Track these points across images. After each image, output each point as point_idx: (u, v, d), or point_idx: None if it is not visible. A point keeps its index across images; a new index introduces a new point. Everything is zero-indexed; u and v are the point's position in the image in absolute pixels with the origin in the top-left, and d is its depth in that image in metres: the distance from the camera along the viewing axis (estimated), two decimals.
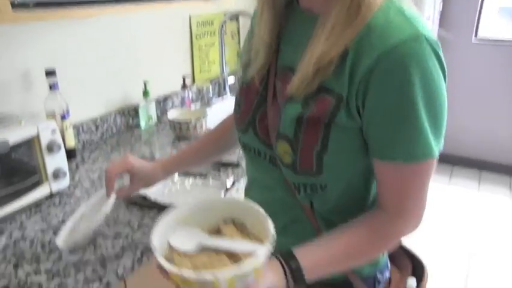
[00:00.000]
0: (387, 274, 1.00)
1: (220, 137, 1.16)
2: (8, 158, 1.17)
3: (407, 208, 0.82)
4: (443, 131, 0.78)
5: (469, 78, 3.71)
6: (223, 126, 1.16)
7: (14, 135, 1.18)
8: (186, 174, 1.43)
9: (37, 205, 1.27)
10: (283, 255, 0.81)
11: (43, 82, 1.50)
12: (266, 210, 0.84)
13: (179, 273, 0.64)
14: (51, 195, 1.31)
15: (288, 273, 0.78)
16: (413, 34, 0.71)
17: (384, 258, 0.99)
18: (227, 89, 2.35)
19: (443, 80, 0.75)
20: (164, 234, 0.75)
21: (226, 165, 1.52)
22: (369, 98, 0.74)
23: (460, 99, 3.76)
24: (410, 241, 1.05)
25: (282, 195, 0.91)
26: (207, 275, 0.63)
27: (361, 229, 0.84)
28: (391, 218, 0.83)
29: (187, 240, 0.75)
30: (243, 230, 0.78)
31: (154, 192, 1.31)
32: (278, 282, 0.77)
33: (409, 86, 0.70)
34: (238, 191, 1.40)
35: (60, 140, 1.29)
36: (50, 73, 1.47)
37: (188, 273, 0.64)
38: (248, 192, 1.06)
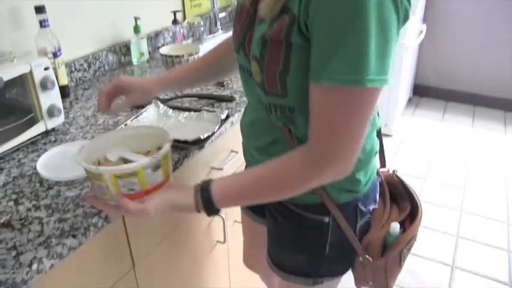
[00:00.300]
0: (372, 207, 1.03)
1: (218, 58, 1.17)
2: (1, 96, 1.17)
3: (331, 147, 0.78)
4: (390, 65, 0.73)
5: (462, 9, 3.64)
6: (220, 47, 1.17)
7: (7, 73, 1.17)
8: (180, 108, 1.44)
9: (33, 143, 1.29)
10: (202, 183, 0.89)
11: (33, 19, 1.47)
12: (254, 129, 1.01)
13: (84, 166, 0.83)
14: (46, 133, 1.32)
15: (198, 199, 0.87)
16: None
17: (366, 189, 0.99)
18: (218, 25, 2.31)
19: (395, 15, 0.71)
20: (100, 149, 0.94)
21: (220, 99, 1.52)
22: (312, 7, 0.71)
23: (453, 31, 3.71)
24: (404, 174, 1.07)
25: (265, 115, 0.94)
26: (92, 167, 0.82)
27: (275, 164, 0.85)
28: (310, 156, 0.81)
29: (114, 154, 0.93)
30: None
31: None
32: (182, 200, 0.88)
33: None
34: (233, 124, 1.41)
35: (53, 77, 1.28)
36: (39, 9, 1.44)
37: (85, 165, 0.82)
38: (245, 113, 1.10)
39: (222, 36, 2.28)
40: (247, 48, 0.90)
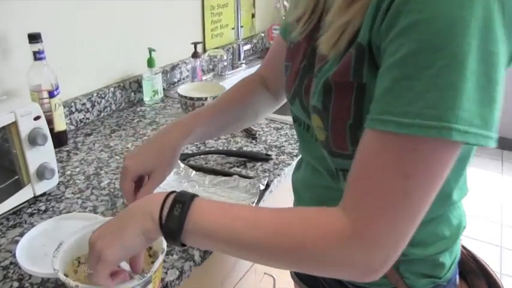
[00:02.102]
0: None
1: (246, 99, 0.99)
2: None
3: (379, 221, 0.53)
4: (494, 118, 0.51)
5: None
6: (246, 85, 1.01)
7: None
8: (205, 170, 1.14)
9: (16, 213, 0.98)
10: (179, 193, 0.62)
11: (25, 49, 1.18)
12: (311, 194, 0.84)
13: (61, 279, 0.66)
14: (35, 200, 1.02)
15: (164, 214, 0.60)
16: None
17: (450, 274, 0.79)
18: (242, 58, 2.03)
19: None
20: (83, 244, 0.71)
21: (254, 158, 1.23)
22: (388, 26, 0.53)
23: None
24: None
25: (327, 180, 0.77)
26: (71, 284, 0.65)
27: (303, 212, 0.60)
28: (353, 227, 0.55)
29: None
30: (153, 256, 0.77)
31: None
32: (139, 207, 0.63)
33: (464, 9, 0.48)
34: (271, 193, 1.11)
35: (46, 129, 0.99)
36: (33, 37, 1.16)
37: (62, 277, 0.66)
38: (298, 168, 0.92)
39: (245, 71, 2.00)
40: (305, 97, 0.75)
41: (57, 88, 1.22)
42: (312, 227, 0.56)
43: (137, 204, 0.64)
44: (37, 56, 1.18)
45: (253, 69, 2.06)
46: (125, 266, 0.71)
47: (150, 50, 1.55)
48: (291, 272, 1.14)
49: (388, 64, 0.53)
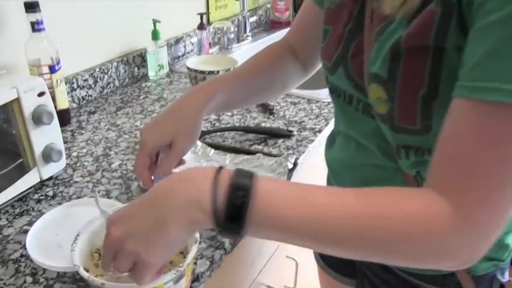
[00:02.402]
0: (507, 275, 0.75)
1: (270, 68, 0.88)
2: None
3: (468, 195, 0.46)
4: None
5: None
6: (273, 55, 0.90)
7: None
8: (225, 148, 1.05)
9: (22, 199, 0.89)
10: (236, 173, 0.49)
11: (22, 20, 1.06)
12: (354, 174, 0.75)
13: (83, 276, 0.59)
14: (41, 185, 0.93)
15: (220, 195, 0.47)
16: None
17: (507, 253, 0.72)
18: (248, 31, 1.93)
19: None
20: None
21: (275, 134, 1.14)
22: None
23: None
24: None
25: (378, 158, 0.69)
26: (97, 282, 0.57)
27: (385, 198, 0.50)
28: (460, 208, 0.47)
29: None
30: None
31: None
32: (185, 192, 0.49)
33: None
34: (298, 173, 1.02)
35: (51, 106, 0.89)
36: (31, 6, 1.04)
37: (84, 274, 0.59)
38: (330, 148, 0.84)
39: (251, 45, 1.89)
40: (353, 65, 0.66)
41: (58, 62, 1.12)
42: (412, 216, 0.47)
43: (173, 188, 0.50)
44: (35, 27, 1.07)
45: (259, 43, 1.96)
46: None
47: (155, 22, 1.44)
48: (315, 255, 1.07)
49: (487, 23, 0.45)
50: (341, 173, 0.81)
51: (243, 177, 0.48)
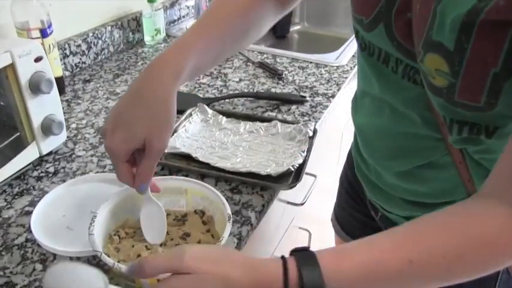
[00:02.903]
0: None
1: (245, 15, 0.72)
2: None
3: None
4: None
5: None
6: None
7: None
8: (238, 116, 0.98)
9: (20, 177, 0.81)
10: (296, 253, 0.50)
11: None
12: (391, 144, 0.69)
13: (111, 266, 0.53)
14: (40, 161, 0.84)
15: (294, 280, 0.47)
16: None
17: None
18: None
19: None
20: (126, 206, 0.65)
21: (287, 100, 1.06)
22: None
23: None
24: None
25: (418, 126, 0.63)
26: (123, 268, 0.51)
27: (449, 214, 0.52)
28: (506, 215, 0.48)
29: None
30: (209, 222, 0.67)
31: (195, 150, 0.87)
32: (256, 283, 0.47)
33: None
34: (318, 141, 0.95)
35: (50, 73, 0.80)
36: None
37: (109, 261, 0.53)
38: (358, 113, 0.77)
39: None
40: (398, 24, 0.57)
41: (50, 26, 1.01)
42: (486, 252, 0.49)
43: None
44: None
45: None
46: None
47: None
48: (332, 223, 1.02)
49: None
50: (374, 141, 0.73)
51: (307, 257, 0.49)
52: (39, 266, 0.63)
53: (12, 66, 0.73)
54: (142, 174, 0.60)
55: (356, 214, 0.92)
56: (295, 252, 0.50)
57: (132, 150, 0.59)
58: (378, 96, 0.69)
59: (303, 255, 0.49)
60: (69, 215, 0.72)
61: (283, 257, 0.49)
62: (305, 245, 0.55)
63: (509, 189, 0.49)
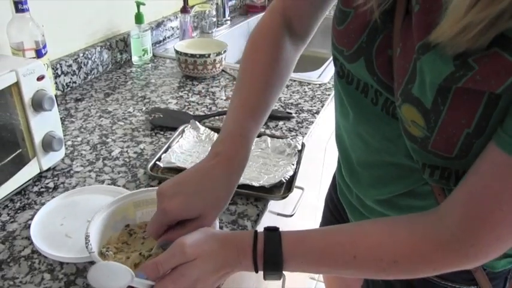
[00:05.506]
0: None
1: (280, 73, 0.75)
2: None
3: (485, 233, 0.53)
4: None
5: None
6: (277, 50, 0.74)
7: None
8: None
9: (21, 192, 0.83)
10: (264, 229, 0.62)
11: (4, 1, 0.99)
12: (371, 172, 0.72)
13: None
14: (39, 177, 0.87)
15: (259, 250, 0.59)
16: None
17: None
18: (227, 15, 1.88)
19: None
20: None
21: (274, 116, 1.11)
22: None
23: None
24: None
25: (399, 160, 0.64)
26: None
27: (397, 224, 0.60)
28: (452, 232, 0.55)
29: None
30: None
31: None
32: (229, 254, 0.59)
33: None
34: (305, 154, 1.00)
35: (51, 91, 0.83)
36: None
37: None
38: (339, 142, 0.80)
39: (229, 30, 1.85)
40: (377, 61, 0.59)
41: (44, 46, 1.05)
42: (419, 263, 0.57)
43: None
44: (19, 7, 0.99)
45: (237, 27, 1.92)
46: None
47: (138, 4, 1.37)
48: (325, 199, 1.04)
49: None
50: (355, 168, 0.75)
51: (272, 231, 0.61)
52: (47, 276, 0.65)
53: (17, 84, 0.76)
54: (171, 238, 0.61)
55: None
56: (267, 230, 0.61)
57: (184, 218, 0.62)
58: (353, 130, 0.71)
59: (271, 234, 0.60)
60: (67, 223, 0.75)
61: (255, 232, 0.60)
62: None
63: (453, 213, 0.54)
